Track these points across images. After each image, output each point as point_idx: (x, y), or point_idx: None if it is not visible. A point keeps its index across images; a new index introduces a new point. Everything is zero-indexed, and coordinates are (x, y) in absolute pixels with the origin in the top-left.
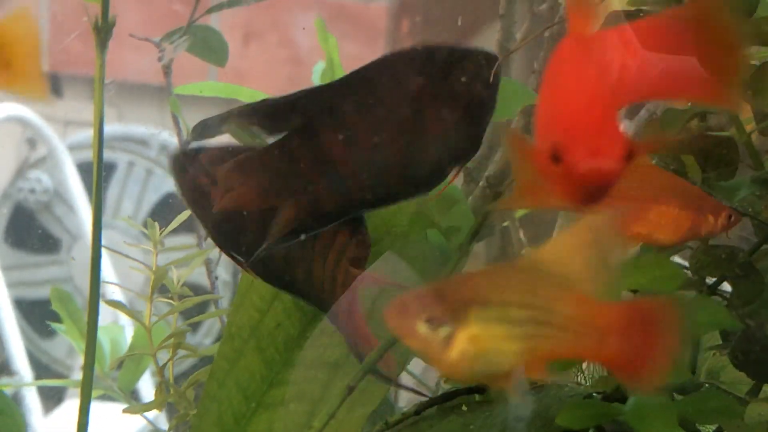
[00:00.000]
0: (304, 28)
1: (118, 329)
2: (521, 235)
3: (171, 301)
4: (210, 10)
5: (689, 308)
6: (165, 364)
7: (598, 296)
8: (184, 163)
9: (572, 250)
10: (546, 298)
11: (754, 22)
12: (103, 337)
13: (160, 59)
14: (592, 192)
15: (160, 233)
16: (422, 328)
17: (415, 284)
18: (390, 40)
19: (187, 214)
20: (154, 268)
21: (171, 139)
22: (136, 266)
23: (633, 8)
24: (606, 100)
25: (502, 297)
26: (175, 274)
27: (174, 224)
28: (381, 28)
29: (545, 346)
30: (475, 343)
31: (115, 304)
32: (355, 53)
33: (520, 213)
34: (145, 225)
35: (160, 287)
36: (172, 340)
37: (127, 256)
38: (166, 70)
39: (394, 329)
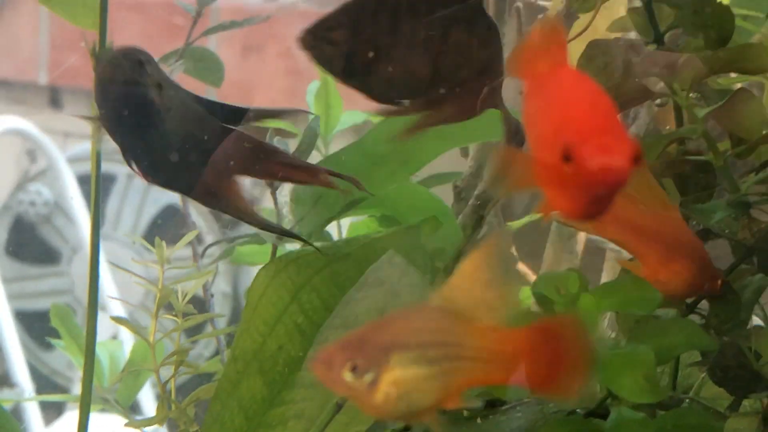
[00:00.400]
0: None
1: (116, 344)
2: (514, 250)
3: (175, 318)
4: (207, 32)
5: (586, 323)
6: (167, 381)
7: (502, 321)
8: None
9: (469, 283)
10: (456, 333)
11: (728, 50)
12: (101, 352)
13: None
14: (600, 195)
15: (167, 248)
16: (347, 376)
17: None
18: None
19: (194, 233)
20: (160, 286)
21: None
22: (140, 280)
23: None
24: (610, 100)
25: (417, 339)
26: (180, 292)
27: (183, 242)
28: None
29: (461, 378)
30: (397, 385)
31: (121, 320)
32: None
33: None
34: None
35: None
36: (175, 357)
37: (130, 272)
38: None
39: (322, 380)
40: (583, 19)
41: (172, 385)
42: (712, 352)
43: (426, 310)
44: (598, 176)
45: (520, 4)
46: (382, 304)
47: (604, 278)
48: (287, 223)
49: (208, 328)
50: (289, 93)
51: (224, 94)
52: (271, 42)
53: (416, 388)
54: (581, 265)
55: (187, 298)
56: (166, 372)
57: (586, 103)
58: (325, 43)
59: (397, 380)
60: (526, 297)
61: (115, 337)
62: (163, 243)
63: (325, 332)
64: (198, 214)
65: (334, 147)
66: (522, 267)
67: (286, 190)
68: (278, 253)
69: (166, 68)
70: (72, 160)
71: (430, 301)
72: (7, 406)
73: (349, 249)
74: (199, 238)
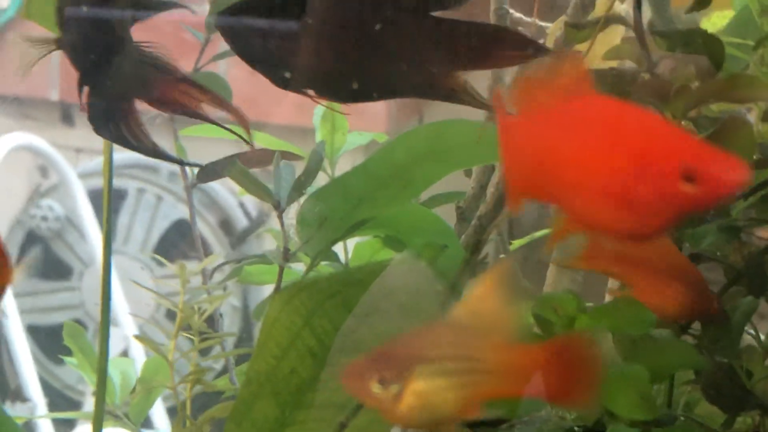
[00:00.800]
0: None
1: (127, 362)
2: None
3: (191, 337)
4: (215, 58)
5: (600, 340)
6: (184, 400)
7: (515, 337)
8: None
9: (481, 303)
10: (474, 348)
11: (718, 80)
12: (113, 369)
13: (156, 115)
14: (687, 213)
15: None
16: (375, 388)
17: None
18: None
19: (217, 257)
20: (181, 306)
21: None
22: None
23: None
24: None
25: (438, 353)
26: (197, 313)
27: (206, 262)
28: None
29: (479, 390)
30: (420, 396)
31: (142, 339)
32: None
33: (514, 246)
34: (157, 253)
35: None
36: (191, 376)
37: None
38: (172, 118)
39: (351, 391)
40: (580, 48)
41: (188, 404)
42: (705, 371)
43: (445, 326)
44: (724, 191)
45: (521, 28)
46: (394, 328)
47: (608, 296)
48: (293, 245)
49: (218, 346)
50: (298, 108)
51: None
52: None
53: (438, 399)
54: (584, 282)
55: (204, 317)
56: (179, 388)
57: (662, 125)
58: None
59: (419, 391)
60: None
61: (125, 352)
62: (185, 265)
63: (336, 355)
64: (207, 228)
65: (341, 167)
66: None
67: (292, 212)
68: (285, 274)
69: None
70: (83, 176)
71: (446, 320)
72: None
73: (360, 275)
74: (207, 252)
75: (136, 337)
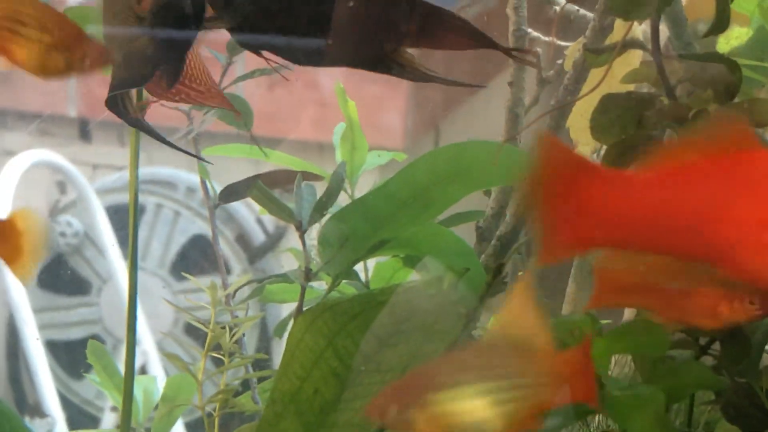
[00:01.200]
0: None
1: (149, 379)
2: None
3: (220, 356)
4: (237, 80)
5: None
6: (211, 419)
7: (551, 348)
8: None
9: (515, 319)
10: (513, 364)
11: (736, 105)
12: (135, 387)
13: (189, 131)
14: None
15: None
16: (401, 415)
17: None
18: (412, 84)
19: (244, 277)
20: (212, 326)
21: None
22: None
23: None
24: None
25: (466, 377)
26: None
27: (240, 283)
28: None
29: (530, 403)
30: (449, 419)
31: (173, 357)
32: (378, 94)
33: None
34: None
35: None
36: (220, 395)
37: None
38: (195, 138)
39: (379, 420)
40: (597, 72)
41: (216, 423)
42: (725, 390)
43: (474, 348)
44: None
45: (539, 50)
46: (415, 349)
47: (627, 314)
48: (315, 265)
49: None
50: (316, 124)
51: (253, 125)
52: (298, 74)
53: (478, 417)
54: None
55: (234, 338)
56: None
57: None
58: None
59: (445, 414)
60: None
61: (144, 368)
62: (216, 283)
63: (358, 376)
64: (225, 243)
65: (359, 185)
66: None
67: (313, 233)
68: (306, 293)
69: (199, 115)
70: (101, 192)
71: (481, 341)
72: None
73: (383, 297)
74: (227, 268)
75: (168, 355)
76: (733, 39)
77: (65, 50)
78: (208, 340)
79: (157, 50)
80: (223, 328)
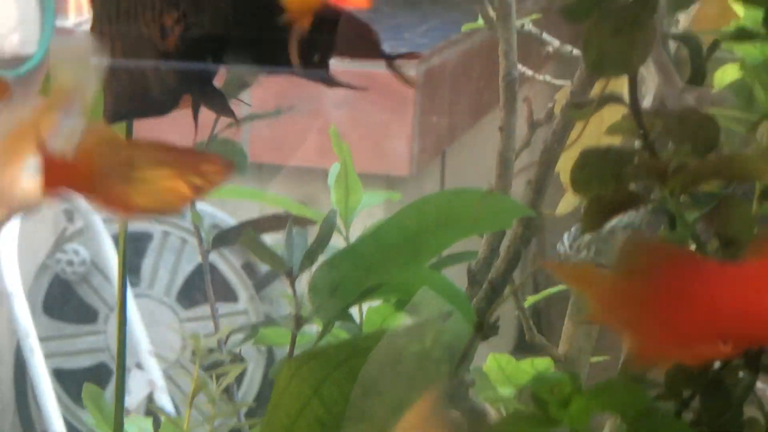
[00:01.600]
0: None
1: (145, 421)
2: (531, 324)
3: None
4: (239, 122)
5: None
6: None
7: None
8: None
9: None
10: None
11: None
12: (129, 427)
13: None
14: None
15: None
16: None
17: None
18: (419, 109)
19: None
20: (195, 377)
21: (204, 208)
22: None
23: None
24: None
25: None
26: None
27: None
28: (410, 98)
29: None
30: None
31: (157, 409)
32: (384, 121)
33: (529, 302)
34: (181, 296)
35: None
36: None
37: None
38: None
39: None
40: (577, 125)
41: None
42: None
43: None
44: None
45: (530, 96)
46: (401, 396)
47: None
48: (306, 311)
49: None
50: (319, 151)
51: (256, 152)
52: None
53: None
54: (599, 337)
55: (220, 388)
56: None
57: None
58: None
59: None
60: (547, 368)
61: (150, 396)
62: (200, 335)
63: (345, 424)
64: (231, 271)
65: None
66: (540, 340)
67: (303, 281)
68: (298, 339)
69: None
70: (108, 220)
71: None
72: None
73: (369, 344)
74: (234, 296)
75: (155, 408)
76: (728, 74)
77: None
78: (192, 391)
79: (181, 82)
80: (211, 376)
